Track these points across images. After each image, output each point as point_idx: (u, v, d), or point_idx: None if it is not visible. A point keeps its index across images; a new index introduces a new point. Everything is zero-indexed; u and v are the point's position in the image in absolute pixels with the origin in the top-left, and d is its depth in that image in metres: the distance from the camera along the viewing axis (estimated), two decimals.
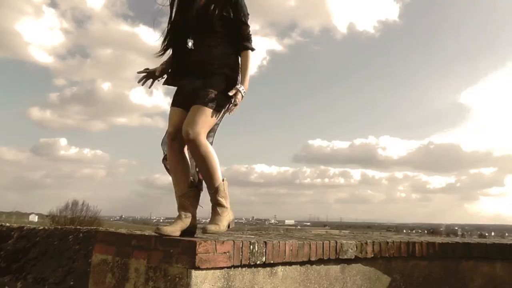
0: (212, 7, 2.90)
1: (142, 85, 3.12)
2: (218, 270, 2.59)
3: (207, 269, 2.53)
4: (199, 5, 2.96)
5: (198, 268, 2.48)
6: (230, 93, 2.78)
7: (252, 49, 2.96)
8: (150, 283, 2.68)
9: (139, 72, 3.13)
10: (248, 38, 2.96)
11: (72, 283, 3.36)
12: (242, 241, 2.72)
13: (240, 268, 2.70)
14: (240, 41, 2.95)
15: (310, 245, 3.07)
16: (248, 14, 2.99)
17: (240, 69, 2.95)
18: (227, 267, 2.63)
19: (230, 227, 2.84)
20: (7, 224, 4.89)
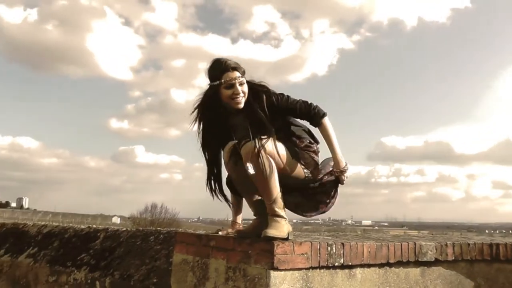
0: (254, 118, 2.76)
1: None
2: (297, 271, 2.60)
3: (285, 270, 2.54)
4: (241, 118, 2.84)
5: (276, 269, 2.50)
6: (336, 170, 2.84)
7: (323, 118, 2.85)
8: (230, 283, 2.72)
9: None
10: (309, 113, 2.84)
11: (155, 280, 3.48)
12: (319, 242, 2.71)
13: (318, 270, 2.69)
14: (308, 120, 2.88)
15: (388, 246, 3.01)
16: (287, 96, 2.85)
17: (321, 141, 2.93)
18: (305, 268, 2.63)
19: (290, 238, 2.64)
20: (94, 226, 5.15)
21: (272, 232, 2.56)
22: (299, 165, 2.84)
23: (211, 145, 2.95)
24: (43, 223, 6.64)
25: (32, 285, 4.90)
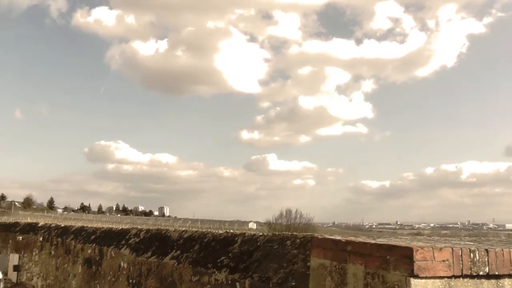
0: None
1: None
2: (438, 280, 2.50)
3: (426, 277, 2.46)
4: None
5: (417, 277, 2.43)
6: None
7: None
8: None
9: None
10: None
11: (293, 284, 3.54)
12: (461, 248, 2.60)
13: (461, 279, 2.58)
14: None
15: None
16: None
17: None
18: (448, 277, 2.53)
19: None
20: (231, 231, 5.37)
21: None
22: None
23: None
24: (183, 228, 7.08)
25: (178, 283, 5.24)
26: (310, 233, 4.19)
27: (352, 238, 3.15)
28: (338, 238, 3.18)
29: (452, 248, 2.57)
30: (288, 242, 4.09)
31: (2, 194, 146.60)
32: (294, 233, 4.35)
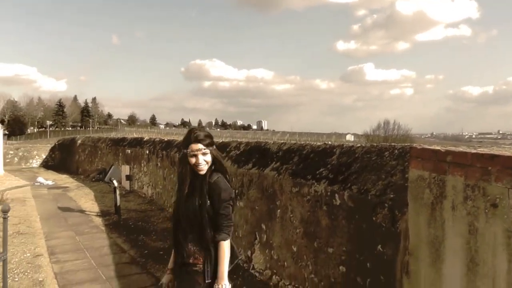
0: (197, 203, 3.05)
1: None
2: None
3: None
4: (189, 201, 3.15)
5: None
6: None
7: (225, 240, 3.03)
8: (468, 202, 2.61)
9: None
10: (222, 228, 3.03)
11: (392, 196, 3.56)
12: None
13: None
14: (216, 232, 3.03)
15: None
16: (229, 200, 3.10)
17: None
18: None
19: None
20: (329, 142, 5.40)
21: None
22: None
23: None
24: (282, 141, 7.23)
25: (278, 194, 5.45)
26: (408, 144, 4.12)
27: (452, 148, 3.04)
28: (437, 148, 3.10)
29: None
30: (386, 153, 4.06)
31: (109, 112, 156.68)
32: (393, 144, 4.29)
